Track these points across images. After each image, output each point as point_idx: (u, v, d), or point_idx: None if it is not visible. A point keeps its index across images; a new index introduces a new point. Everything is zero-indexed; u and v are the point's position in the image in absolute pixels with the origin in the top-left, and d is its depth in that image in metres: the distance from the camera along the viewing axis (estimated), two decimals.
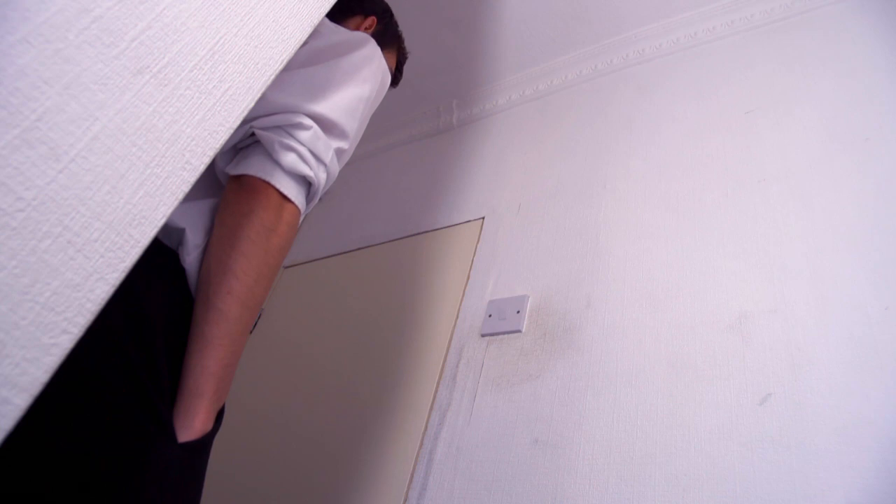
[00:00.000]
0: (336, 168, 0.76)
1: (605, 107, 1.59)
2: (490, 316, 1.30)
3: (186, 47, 0.51)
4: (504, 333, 1.25)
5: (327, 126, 0.74)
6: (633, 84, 1.59)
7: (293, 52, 0.63)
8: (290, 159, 0.69)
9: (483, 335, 1.28)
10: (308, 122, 0.71)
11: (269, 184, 0.68)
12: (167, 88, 0.48)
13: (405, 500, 1.13)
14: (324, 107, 0.73)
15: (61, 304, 0.38)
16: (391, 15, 1.14)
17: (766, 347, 0.94)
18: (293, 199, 0.70)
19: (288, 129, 0.70)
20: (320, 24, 0.82)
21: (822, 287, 0.96)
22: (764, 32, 1.44)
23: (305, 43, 0.78)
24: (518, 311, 1.26)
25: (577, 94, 1.71)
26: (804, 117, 1.20)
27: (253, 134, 0.71)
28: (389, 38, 1.12)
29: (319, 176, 0.73)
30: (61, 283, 0.38)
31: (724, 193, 1.18)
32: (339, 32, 0.84)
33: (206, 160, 0.51)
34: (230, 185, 0.70)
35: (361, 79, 0.80)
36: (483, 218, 1.57)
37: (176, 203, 0.48)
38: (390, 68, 1.10)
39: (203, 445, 0.66)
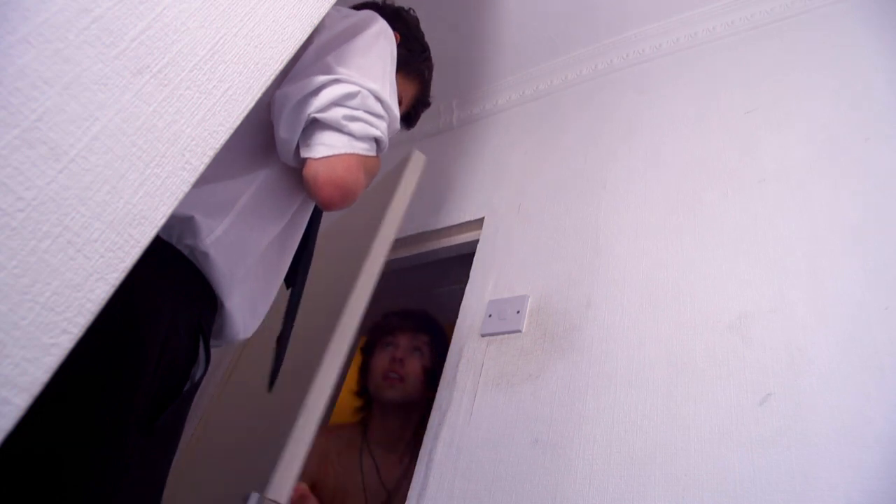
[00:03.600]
0: (395, 113, 0.84)
1: (605, 107, 1.59)
2: (490, 316, 1.30)
3: (186, 47, 0.51)
4: (504, 333, 1.25)
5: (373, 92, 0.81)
6: (633, 84, 1.59)
7: (293, 52, 0.63)
8: (358, 127, 0.77)
9: (483, 335, 1.28)
10: (353, 87, 0.77)
11: (353, 154, 0.77)
12: (167, 88, 0.48)
13: (405, 500, 1.13)
14: (361, 77, 0.79)
15: (61, 304, 0.38)
16: (423, 51, 1.14)
17: (766, 347, 0.94)
18: (373, 154, 0.81)
19: (341, 101, 0.77)
20: (325, 16, 0.84)
21: (822, 287, 0.96)
22: (764, 32, 1.44)
23: (312, 40, 0.82)
24: (518, 311, 1.26)
25: (577, 94, 1.71)
26: (804, 117, 1.20)
27: (315, 120, 0.77)
28: (411, 67, 1.11)
29: (384, 129, 0.82)
30: (61, 283, 0.38)
31: (724, 193, 1.18)
32: (344, 19, 0.86)
33: (207, 160, 0.51)
34: (313, 164, 0.76)
35: (378, 54, 0.85)
36: (483, 218, 1.57)
37: (176, 203, 0.48)
38: (406, 99, 1.13)
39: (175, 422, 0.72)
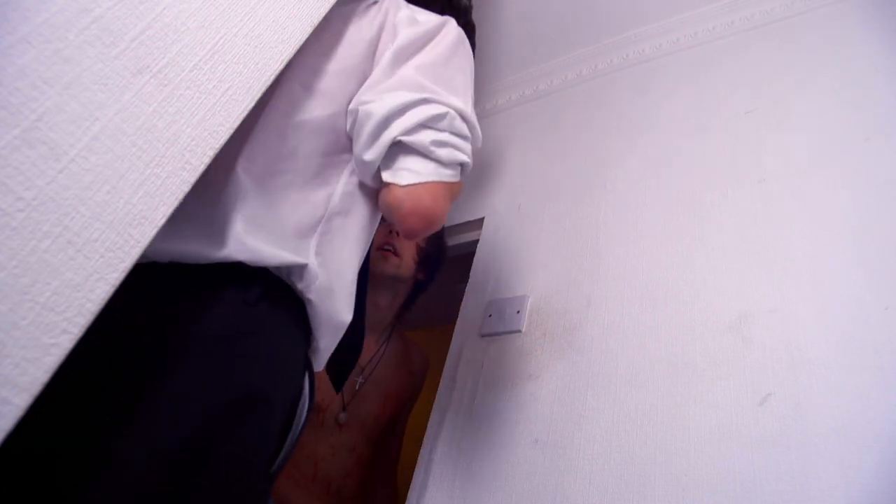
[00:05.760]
0: (478, 132, 0.81)
1: (604, 107, 1.59)
2: (490, 316, 1.30)
3: (186, 47, 0.51)
4: (504, 333, 1.25)
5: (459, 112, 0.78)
6: (634, 84, 1.59)
7: (293, 52, 0.63)
8: (446, 153, 0.74)
9: (483, 335, 1.28)
10: (441, 108, 0.74)
11: (439, 182, 0.73)
12: (167, 88, 0.48)
13: (405, 500, 1.13)
14: (449, 97, 0.76)
15: (61, 304, 0.38)
16: (473, 31, 1.08)
17: (766, 347, 0.94)
18: (457, 180, 0.78)
19: (430, 123, 0.73)
20: (395, 13, 0.82)
21: (822, 287, 0.96)
22: (764, 32, 1.44)
23: (381, 40, 0.80)
24: (518, 311, 1.26)
25: (577, 94, 1.71)
26: (804, 117, 1.20)
27: (400, 142, 0.73)
28: None
29: (469, 152, 0.78)
30: (61, 283, 0.38)
31: (723, 193, 1.18)
32: (418, 24, 0.82)
33: (207, 160, 0.51)
34: (398, 191, 0.73)
35: (459, 65, 0.82)
36: (483, 218, 1.57)
37: (176, 203, 0.48)
38: None
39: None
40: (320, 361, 0.81)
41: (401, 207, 0.72)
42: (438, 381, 1.28)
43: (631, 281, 1.16)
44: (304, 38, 0.65)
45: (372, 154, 0.73)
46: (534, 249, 1.37)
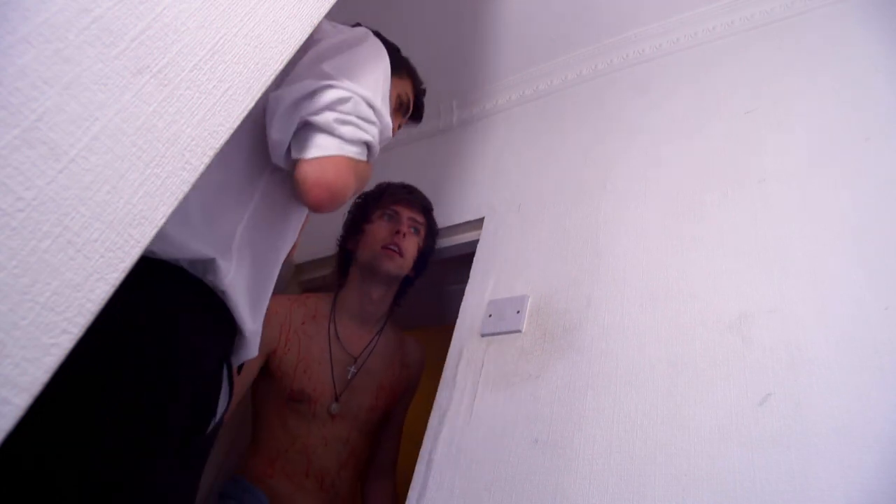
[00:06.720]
0: (386, 121, 0.86)
1: (605, 107, 1.59)
2: (490, 316, 1.30)
3: (186, 47, 0.51)
4: (504, 333, 1.25)
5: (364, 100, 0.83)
6: (633, 84, 1.59)
7: (293, 52, 0.63)
8: (349, 130, 0.79)
9: (483, 335, 1.28)
10: (346, 93, 0.79)
11: (342, 156, 0.79)
12: (167, 88, 0.48)
13: (405, 500, 1.13)
14: (355, 86, 0.81)
15: (61, 304, 0.38)
16: (397, 51, 1.15)
17: (766, 347, 0.94)
18: (363, 159, 0.83)
19: (334, 106, 0.78)
20: (319, 31, 0.88)
21: (822, 287, 0.96)
22: (764, 32, 1.44)
23: (307, 50, 0.85)
24: (518, 311, 1.26)
25: (577, 94, 1.70)
26: (804, 117, 1.20)
27: (308, 123, 0.79)
28: (397, 66, 1.12)
29: (375, 135, 0.84)
30: (61, 283, 0.38)
31: (723, 193, 1.18)
32: (339, 33, 0.89)
33: (206, 160, 0.51)
34: (304, 165, 0.78)
35: (371, 68, 0.87)
36: (483, 218, 1.57)
37: (176, 203, 0.48)
38: (407, 95, 1.17)
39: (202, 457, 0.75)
40: (250, 348, 0.85)
41: (306, 180, 0.77)
42: (438, 381, 1.28)
43: (631, 281, 1.16)
44: (304, 38, 0.65)
45: (282, 134, 0.79)
46: (534, 249, 1.37)
